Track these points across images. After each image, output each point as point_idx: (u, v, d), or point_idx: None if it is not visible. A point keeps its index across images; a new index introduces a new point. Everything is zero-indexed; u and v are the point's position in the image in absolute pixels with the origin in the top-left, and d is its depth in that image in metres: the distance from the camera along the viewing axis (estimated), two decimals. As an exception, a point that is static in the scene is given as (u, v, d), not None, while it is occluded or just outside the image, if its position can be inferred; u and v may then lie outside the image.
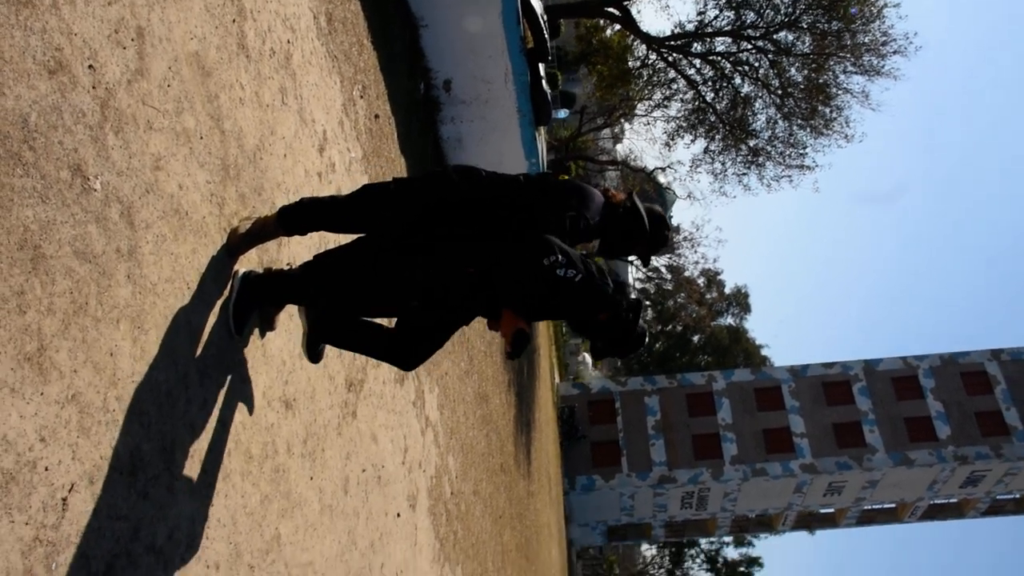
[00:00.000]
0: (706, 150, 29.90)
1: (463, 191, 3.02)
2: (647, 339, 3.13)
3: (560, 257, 2.82)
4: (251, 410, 3.07)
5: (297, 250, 3.63)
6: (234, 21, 3.33)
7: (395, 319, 3.19)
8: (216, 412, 2.81)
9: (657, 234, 3.21)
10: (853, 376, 38.13)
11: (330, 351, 4.01)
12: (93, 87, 2.24)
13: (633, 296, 3.07)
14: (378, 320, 3.27)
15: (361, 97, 5.68)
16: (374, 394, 4.78)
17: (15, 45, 1.95)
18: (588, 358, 54.10)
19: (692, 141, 30.40)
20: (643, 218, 3.17)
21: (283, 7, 4.08)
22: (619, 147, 45.95)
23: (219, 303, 2.89)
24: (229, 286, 2.96)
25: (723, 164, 29.63)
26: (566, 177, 3.14)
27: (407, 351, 3.15)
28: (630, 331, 3.01)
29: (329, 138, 4.48)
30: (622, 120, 35.77)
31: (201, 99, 2.88)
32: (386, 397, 5.09)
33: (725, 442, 37.08)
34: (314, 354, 3.31)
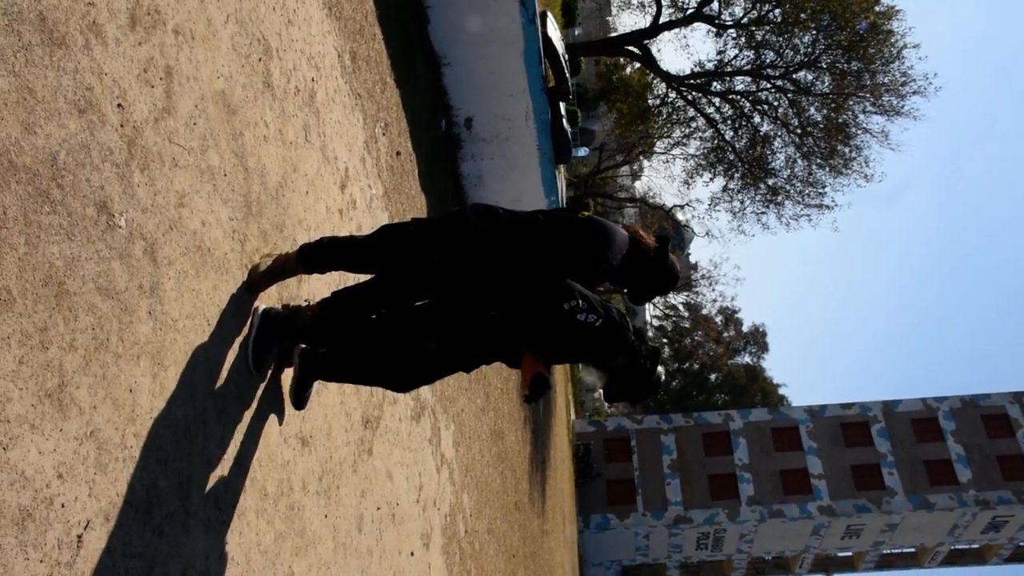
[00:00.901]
0: (725, 188, 29.84)
1: (481, 232, 3.02)
2: (661, 386, 3.11)
3: (581, 302, 2.82)
4: (268, 447, 3.06)
5: (317, 287, 3.64)
6: (260, 60, 3.38)
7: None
8: (233, 449, 2.80)
9: (678, 277, 3.22)
10: (872, 417, 37.61)
11: (348, 388, 4.00)
12: (121, 125, 2.27)
13: (651, 344, 3.06)
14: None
15: (383, 134, 5.75)
16: (390, 431, 4.76)
17: (48, 85, 1.98)
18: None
19: (711, 179, 30.31)
20: (673, 270, 3.14)
21: (308, 46, 4.14)
22: (638, 184, 46.39)
23: (238, 340, 2.89)
24: (249, 323, 2.97)
25: (742, 202, 29.59)
26: (587, 214, 3.12)
27: (407, 375, 3.15)
28: (646, 378, 3.00)
29: (351, 175, 4.53)
30: (641, 157, 35.99)
31: (226, 137, 2.91)
32: (402, 434, 5.08)
33: (742, 482, 36.50)
34: (301, 399, 3.20)
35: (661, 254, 3.13)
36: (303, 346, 3.12)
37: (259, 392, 3.03)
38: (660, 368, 3.04)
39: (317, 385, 3.51)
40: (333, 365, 3.13)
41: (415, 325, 3.02)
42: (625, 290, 3.19)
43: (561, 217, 3.14)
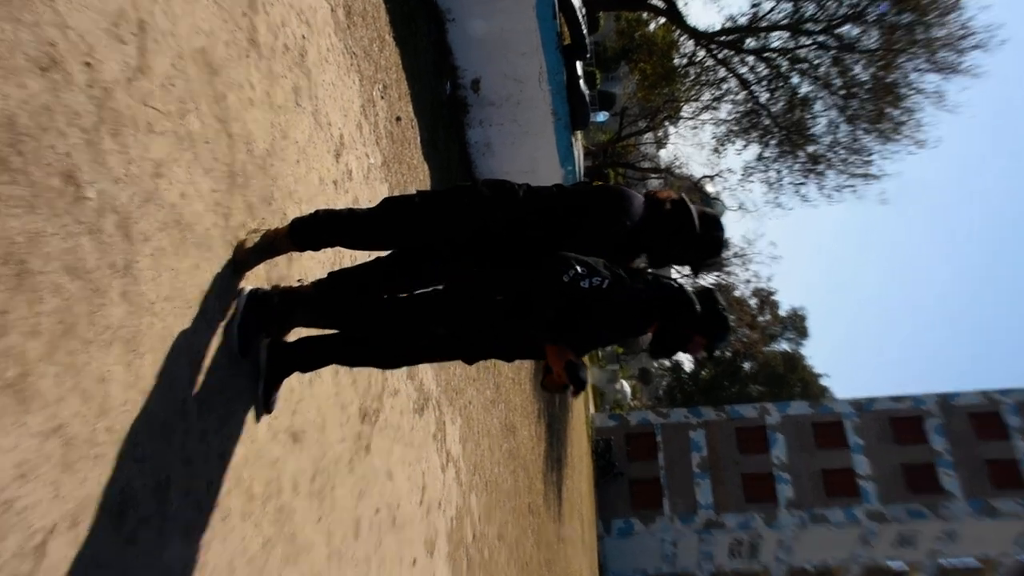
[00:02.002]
0: (759, 157, 29.54)
1: (495, 207, 3.01)
2: (728, 327, 3.10)
3: (580, 268, 2.79)
4: (255, 443, 3.05)
5: (309, 266, 3.63)
6: (244, 15, 3.36)
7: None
8: (216, 445, 2.79)
9: (708, 236, 3.12)
10: (926, 412, 37.18)
11: (343, 378, 3.99)
12: (89, 86, 2.24)
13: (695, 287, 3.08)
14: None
15: (382, 98, 5.72)
16: (390, 426, 4.76)
17: (4, 40, 1.96)
18: (626, 387, 53.60)
19: (744, 147, 30.59)
20: (691, 214, 3.09)
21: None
22: (663, 153, 45.11)
23: (223, 324, 2.88)
24: (234, 305, 2.95)
25: (778, 172, 29.27)
26: (599, 183, 3.10)
27: (402, 355, 3.14)
28: (710, 325, 3.01)
29: (346, 143, 4.51)
30: (666, 123, 35.07)
31: (207, 100, 2.88)
32: (404, 429, 5.07)
33: (779, 483, 36.22)
34: (269, 401, 3.13)
35: (680, 208, 3.09)
36: (268, 339, 3.09)
37: (245, 382, 3.02)
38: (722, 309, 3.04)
39: (309, 375, 3.50)
40: (312, 352, 3.11)
41: (423, 308, 3.03)
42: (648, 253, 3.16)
43: (574, 189, 3.15)
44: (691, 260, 3.18)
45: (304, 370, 3.20)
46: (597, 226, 2.97)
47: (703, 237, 3.11)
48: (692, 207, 3.13)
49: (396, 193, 5.55)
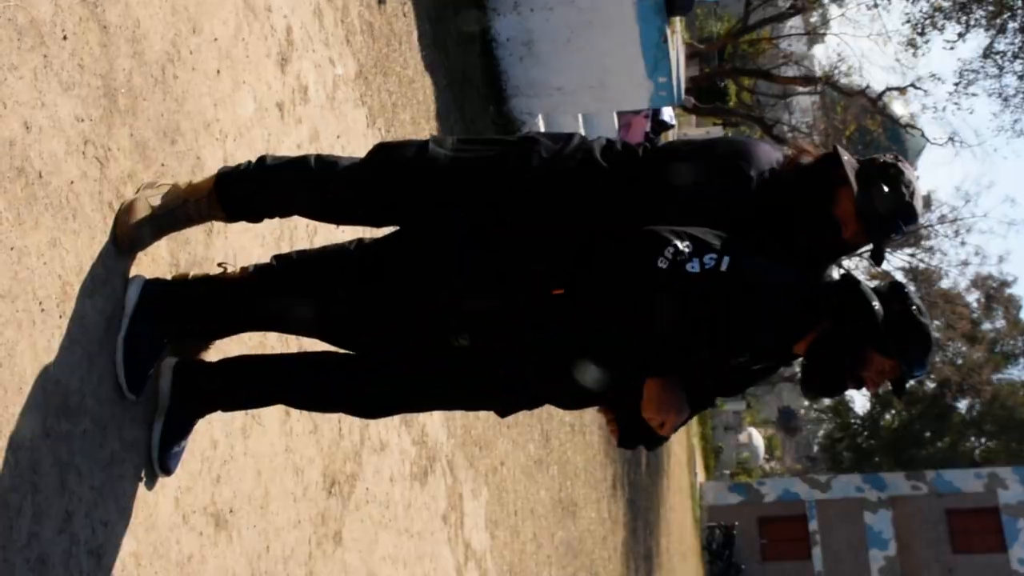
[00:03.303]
0: (988, 53, 18.79)
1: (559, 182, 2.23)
2: (931, 343, 2.15)
3: (679, 243, 1.94)
4: (155, 531, 2.11)
5: (241, 243, 2.68)
6: None
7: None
8: (86, 537, 1.88)
9: (894, 204, 2.17)
10: None
11: (297, 425, 2.98)
12: None
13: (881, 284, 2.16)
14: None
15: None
16: (373, 500, 3.61)
17: None
18: (757, 438, 38.96)
19: (960, 36, 18.60)
20: (846, 172, 2.16)
21: None
22: (819, 51, 28.48)
23: (100, 337, 2.00)
24: (124, 307, 2.07)
25: (1022, 77, 18.62)
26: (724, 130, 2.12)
27: (386, 396, 2.29)
28: (907, 337, 2.08)
29: (298, 41, 3.33)
30: (823, 0, 21.96)
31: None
32: (395, 506, 3.86)
33: (1024, 600, 24.31)
34: (167, 455, 2.19)
35: (830, 161, 2.21)
36: (176, 360, 2.21)
37: (137, 431, 2.10)
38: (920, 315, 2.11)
39: (244, 420, 2.54)
40: (245, 381, 2.26)
41: (434, 321, 2.23)
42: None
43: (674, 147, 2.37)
44: (872, 237, 2.21)
45: (229, 408, 2.31)
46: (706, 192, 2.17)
47: (891, 205, 2.16)
48: (847, 157, 2.21)
49: (383, 126, 4.27)
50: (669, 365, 2.09)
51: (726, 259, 1.95)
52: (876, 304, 2.09)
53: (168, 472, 2.13)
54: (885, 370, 2.12)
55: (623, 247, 2.01)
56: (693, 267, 1.94)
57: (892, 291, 2.14)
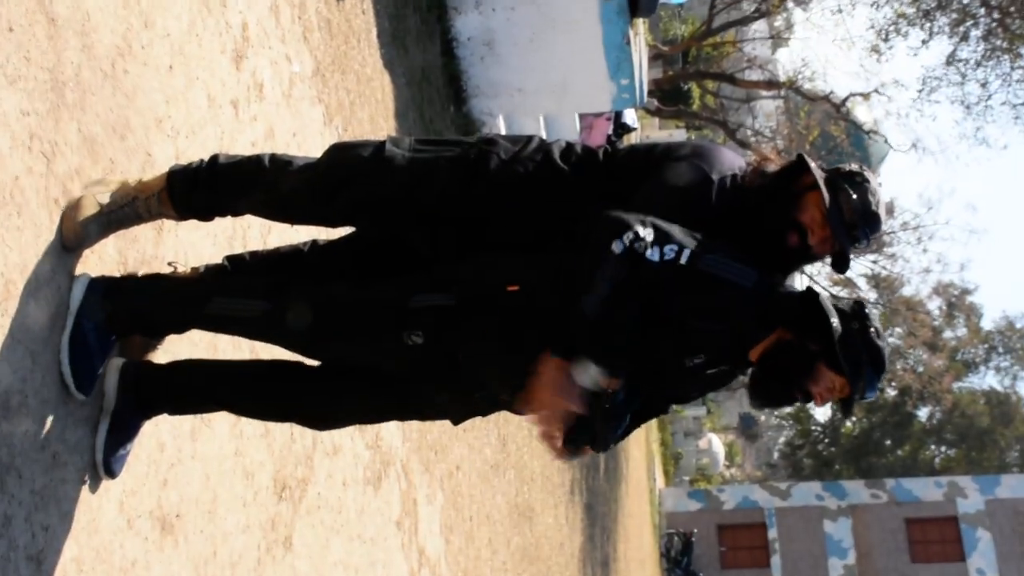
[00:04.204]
0: (950, 60, 18.65)
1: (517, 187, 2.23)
2: (883, 362, 2.12)
3: (641, 229, 1.93)
4: (97, 535, 2.05)
5: (192, 240, 2.62)
6: None
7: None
8: (25, 542, 1.82)
9: (862, 211, 2.18)
10: None
11: (247, 427, 2.92)
12: None
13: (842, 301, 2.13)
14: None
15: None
16: (325, 505, 3.51)
17: None
18: (717, 444, 37.80)
19: (923, 43, 18.53)
20: (815, 179, 2.16)
21: None
22: (782, 56, 28.28)
23: (45, 336, 1.94)
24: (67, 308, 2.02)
25: (984, 84, 18.37)
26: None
27: (338, 407, 2.24)
28: (858, 355, 2.05)
29: (252, 37, 3.27)
30: (789, 4, 21.29)
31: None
32: (347, 511, 3.76)
33: (983, 615, 23.75)
34: (111, 459, 2.11)
35: (796, 168, 2.22)
36: (124, 360, 2.15)
37: (81, 432, 2.05)
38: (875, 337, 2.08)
39: (193, 422, 2.47)
40: (193, 383, 2.21)
41: (385, 329, 2.14)
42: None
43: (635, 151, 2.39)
44: (834, 250, 2.23)
45: (177, 411, 2.26)
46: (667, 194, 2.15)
47: (836, 212, 2.16)
48: (811, 162, 2.21)
49: (340, 124, 4.19)
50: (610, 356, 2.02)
51: (687, 252, 1.95)
52: (835, 320, 2.06)
53: (113, 475, 2.07)
54: (835, 387, 2.10)
55: (588, 226, 2.00)
56: (652, 255, 1.93)
57: (853, 310, 2.13)
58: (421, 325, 2.05)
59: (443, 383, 2.18)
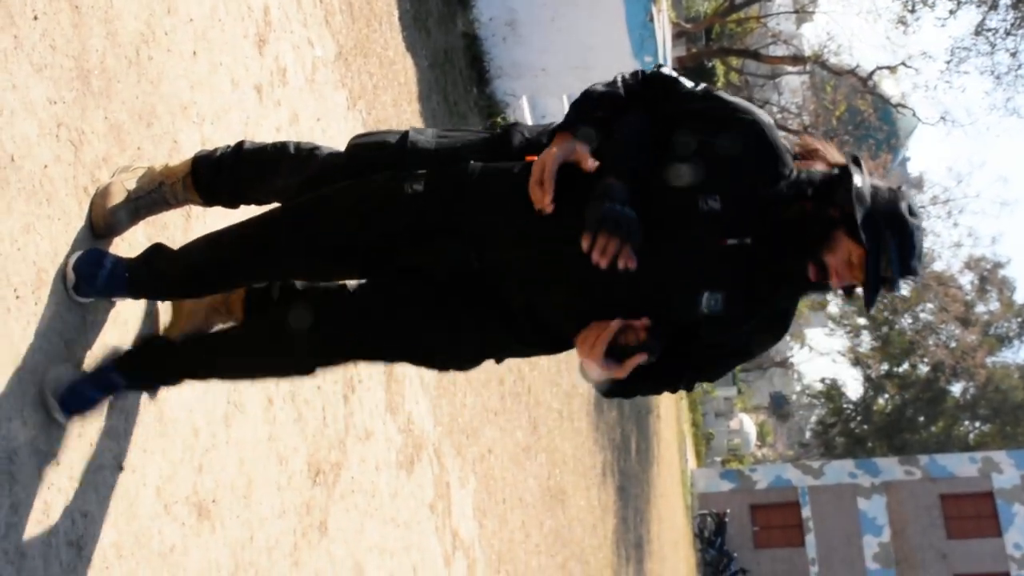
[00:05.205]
0: (979, 30, 18.49)
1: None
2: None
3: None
4: (135, 519, 2.07)
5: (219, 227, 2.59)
6: None
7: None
8: (65, 528, 1.84)
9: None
10: None
11: (280, 414, 2.94)
12: None
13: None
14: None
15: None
16: (359, 490, 3.53)
17: None
18: (748, 424, 36.83)
19: (951, 13, 18.28)
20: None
21: None
22: (807, 31, 28.52)
23: (78, 325, 1.97)
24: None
25: (1014, 54, 18.09)
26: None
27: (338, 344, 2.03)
28: (889, 223, 1.83)
29: (274, 21, 3.27)
30: None
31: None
32: (380, 495, 3.77)
33: (1019, 587, 23.26)
34: (73, 395, 1.88)
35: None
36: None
37: (112, 418, 2.07)
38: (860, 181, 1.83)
39: (226, 407, 2.49)
40: (208, 351, 2.14)
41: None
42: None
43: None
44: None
45: (175, 379, 2.12)
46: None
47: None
48: (861, 181, 1.89)
49: (364, 108, 4.14)
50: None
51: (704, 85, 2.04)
52: (859, 180, 1.85)
53: (65, 410, 1.86)
54: (852, 260, 1.86)
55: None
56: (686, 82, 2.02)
57: (889, 187, 1.92)
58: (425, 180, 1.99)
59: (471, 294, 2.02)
